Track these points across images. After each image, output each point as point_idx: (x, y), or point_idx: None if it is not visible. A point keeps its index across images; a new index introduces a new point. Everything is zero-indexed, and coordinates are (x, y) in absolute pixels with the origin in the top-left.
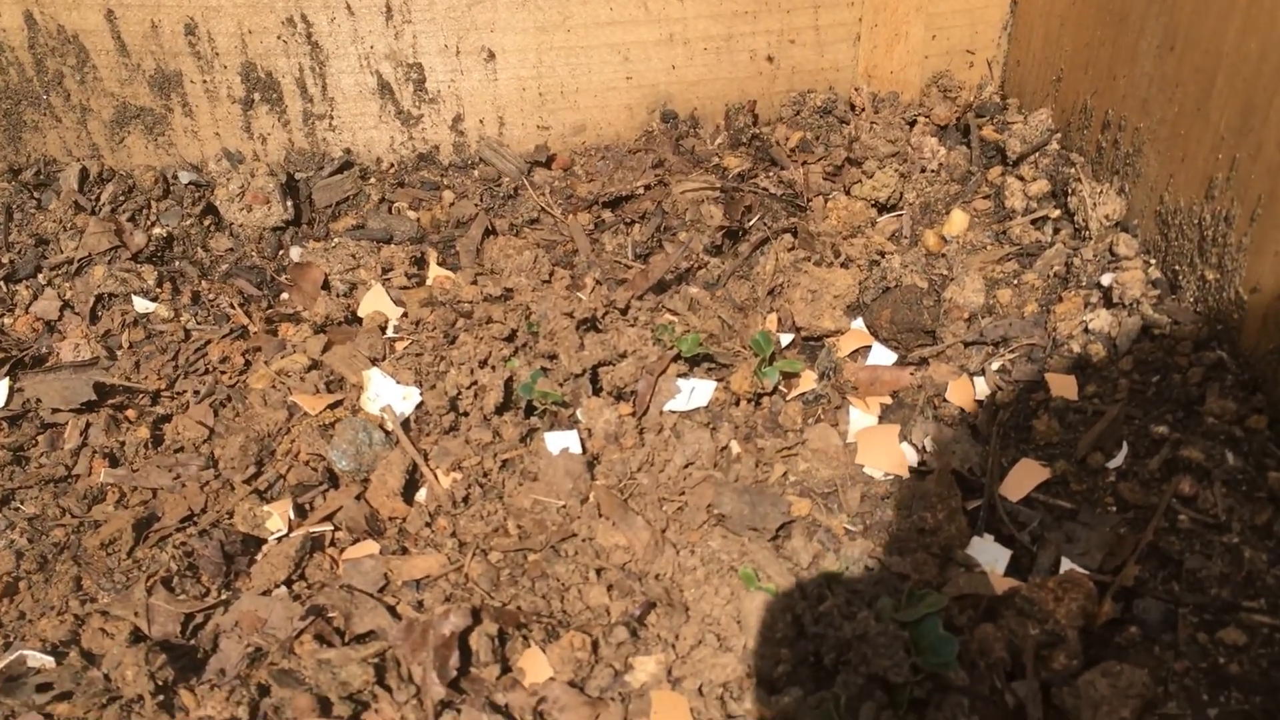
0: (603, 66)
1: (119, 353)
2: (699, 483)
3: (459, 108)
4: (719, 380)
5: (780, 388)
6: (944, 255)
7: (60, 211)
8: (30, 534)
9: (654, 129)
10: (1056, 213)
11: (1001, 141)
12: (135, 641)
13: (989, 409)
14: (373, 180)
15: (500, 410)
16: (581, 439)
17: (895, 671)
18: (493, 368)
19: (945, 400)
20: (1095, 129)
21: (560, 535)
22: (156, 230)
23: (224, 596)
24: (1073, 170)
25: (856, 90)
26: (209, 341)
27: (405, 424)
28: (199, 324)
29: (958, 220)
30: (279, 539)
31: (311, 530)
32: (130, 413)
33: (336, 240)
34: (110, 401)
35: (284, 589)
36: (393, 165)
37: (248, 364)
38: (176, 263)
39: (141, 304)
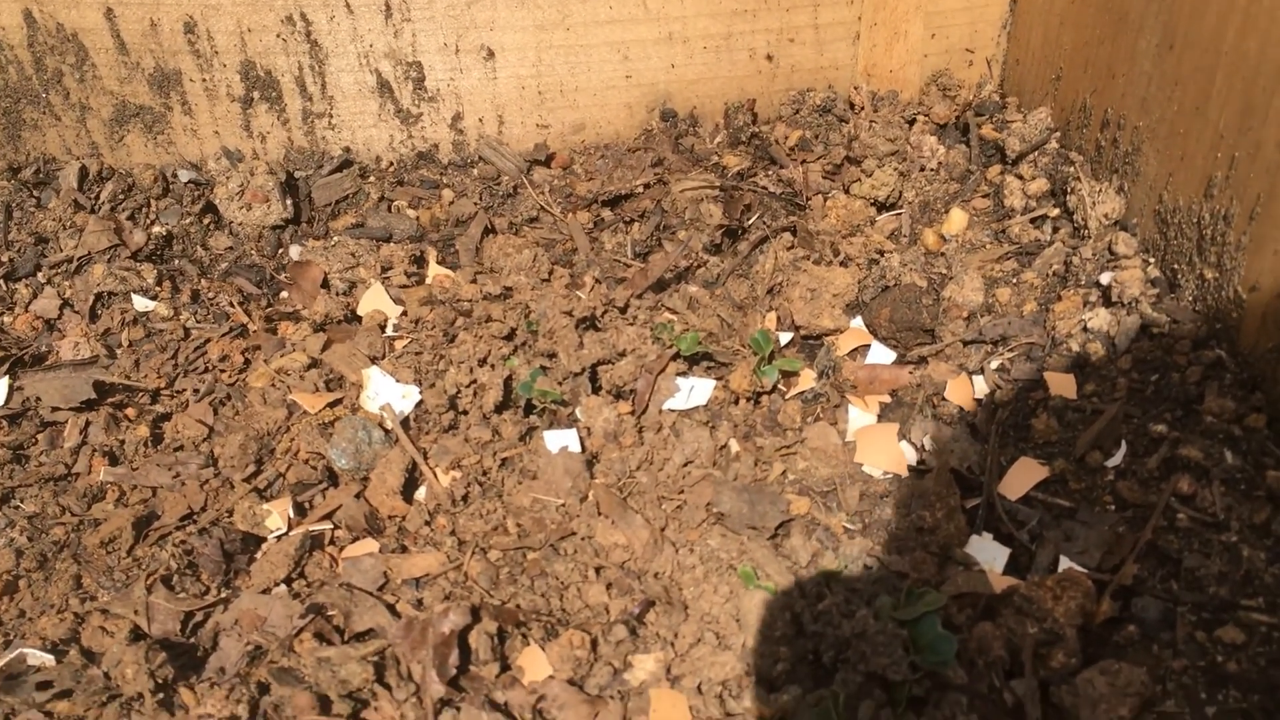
0: (602, 65)
1: (119, 351)
2: (698, 481)
3: (458, 106)
4: (718, 379)
5: (779, 386)
6: (943, 254)
7: (60, 210)
8: (30, 532)
9: (653, 127)
10: (1055, 211)
11: (1001, 140)
12: (135, 640)
13: (988, 408)
14: (372, 179)
15: (499, 409)
16: (581, 437)
17: (894, 670)
18: (492, 366)
19: (944, 399)
20: (1094, 128)
21: (559, 534)
22: (156, 229)
23: (224, 595)
24: (1072, 169)
25: (856, 89)
26: (208, 340)
27: (405, 422)
28: (198, 322)
29: (957, 219)
30: (278, 537)
31: (311, 528)
32: (130, 411)
33: (336, 239)
34: (110, 400)
35: (284, 587)
36: (392, 164)
37: (247, 362)
38: (176, 261)
39: (141, 302)
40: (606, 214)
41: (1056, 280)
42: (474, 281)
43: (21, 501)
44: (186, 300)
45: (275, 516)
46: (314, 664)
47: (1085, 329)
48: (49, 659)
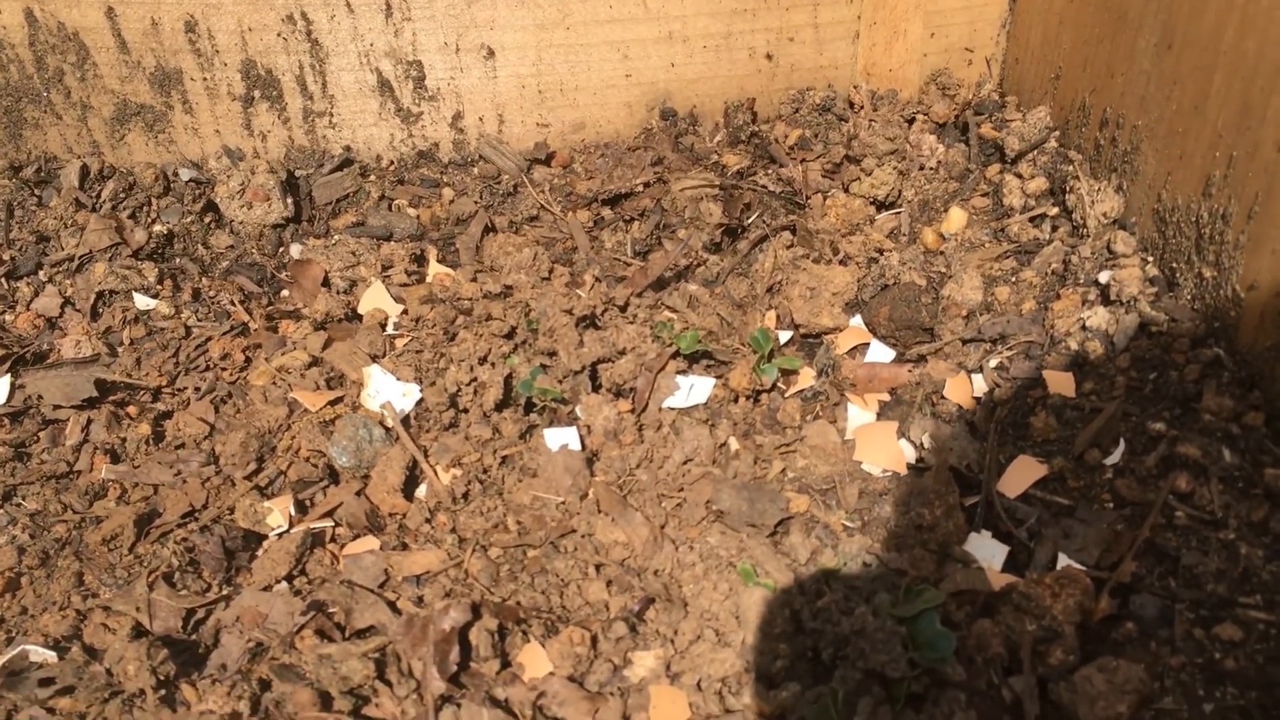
0: (602, 64)
1: (120, 349)
2: (698, 479)
3: (459, 105)
4: (718, 377)
5: (779, 385)
6: (942, 253)
7: (61, 209)
8: (32, 530)
9: (653, 126)
10: (1054, 210)
11: (1000, 139)
12: (137, 636)
13: (987, 406)
14: (372, 177)
15: (500, 407)
16: (581, 435)
17: (893, 667)
18: (492, 364)
19: (943, 397)
20: (1093, 127)
21: (560, 531)
22: (157, 227)
23: (225, 592)
24: (1071, 168)
25: (855, 88)
26: (210, 338)
27: (405, 420)
28: (200, 321)
29: (956, 218)
30: (280, 535)
31: (312, 526)
32: (131, 409)
33: (337, 237)
34: (111, 398)
35: (285, 584)
36: (393, 162)
37: (248, 361)
38: (177, 260)
39: (142, 301)
40: (606, 213)
41: (1055, 279)
42: (474, 280)
43: (23, 499)
44: (188, 299)
45: (276, 514)
46: (315, 661)
47: (1084, 327)
48: (51, 656)
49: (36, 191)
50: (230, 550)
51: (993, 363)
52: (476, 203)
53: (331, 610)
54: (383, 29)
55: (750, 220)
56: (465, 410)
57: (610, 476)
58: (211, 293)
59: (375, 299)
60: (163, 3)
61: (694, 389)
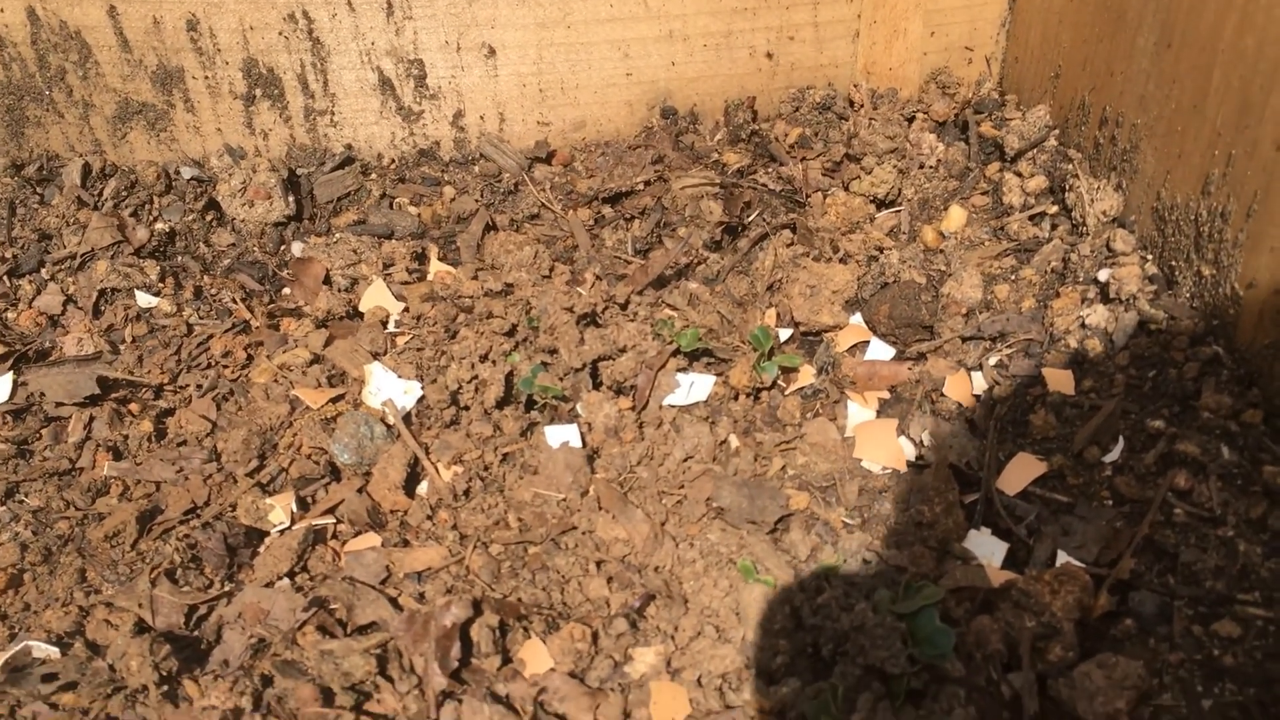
0: (603, 63)
1: (122, 347)
2: (698, 476)
3: (460, 104)
4: (718, 375)
5: (779, 382)
6: (942, 251)
7: (63, 207)
8: (35, 526)
9: (654, 125)
10: (1054, 209)
11: (1000, 138)
12: (139, 632)
13: (986, 404)
14: (374, 176)
15: (501, 404)
16: (581, 433)
17: (892, 663)
18: (493, 362)
19: (943, 395)
20: (1093, 125)
21: (560, 528)
22: (159, 225)
23: (227, 588)
24: (1070, 166)
25: (855, 87)
26: (211, 336)
27: (406, 418)
28: (201, 319)
29: (956, 216)
30: (281, 531)
31: (314, 523)
32: (133, 406)
33: (338, 236)
34: (113, 395)
35: (286, 581)
36: (394, 161)
37: (250, 358)
38: (179, 258)
39: (144, 299)
40: (607, 211)
41: (1055, 277)
42: (475, 278)
43: (26, 496)
44: (189, 297)
45: (278, 511)
46: (317, 656)
47: (1083, 325)
48: (54, 651)
49: (39, 190)
50: (232, 547)
51: (992, 360)
52: (477, 201)
53: (333, 607)
54: (384, 27)
55: (750, 218)
56: (466, 407)
57: (611, 474)
58: (213, 290)
59: (376, 297)
60: (164, 1)
61: (694, 386)
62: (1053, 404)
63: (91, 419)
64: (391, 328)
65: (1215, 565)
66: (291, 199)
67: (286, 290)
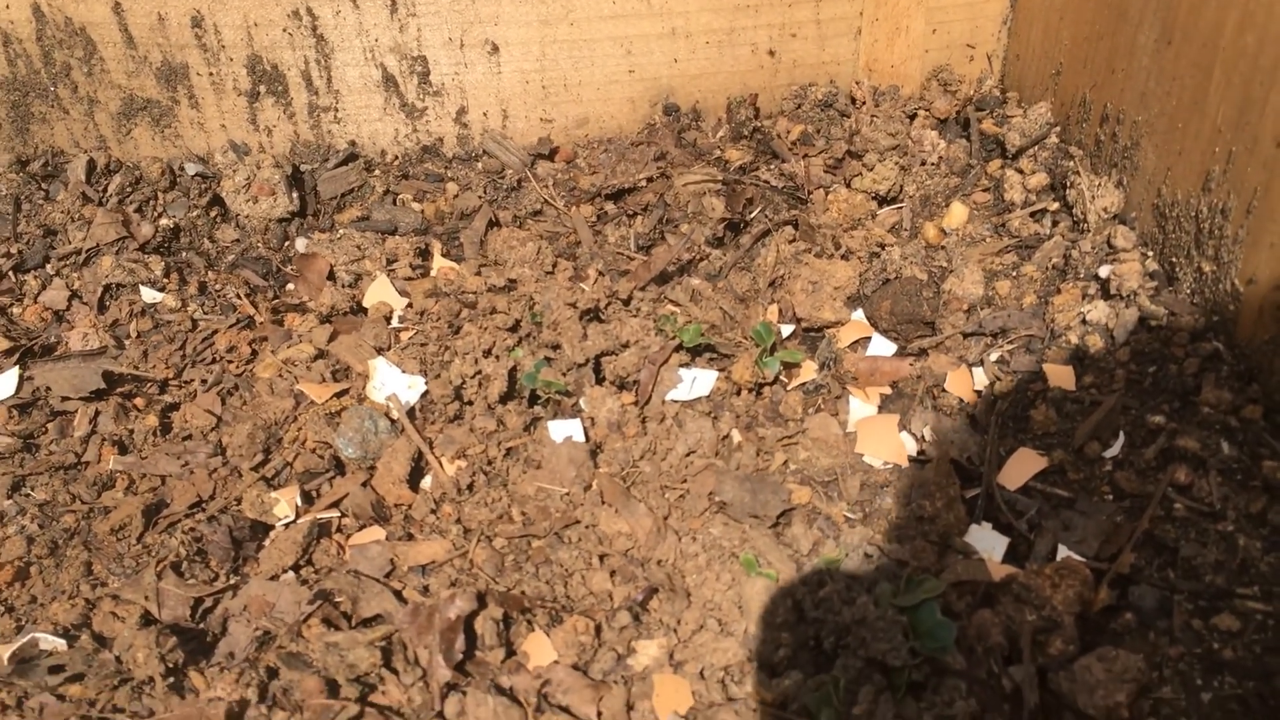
0: (605, 60)
1: (127, 342)
2: (700, 471)
3: (463, 100)
4: (720, 370)
5: (781, 378)
6: (943, 247)
7: (68, 202)
8: (41, 520)
9: (656, 122)
10: (1055, 205)
11: (1001, 135)
12: (146, 625)
13: (987, 399)
14: (377, 172)
15: (504, 399)
16: (584, 427)
17: (894, 655)
18: (497, 357)
19: (944, 390)
20: (1094, 122)
21: (564, 522)
22: (163, 221)
23: (233, 581)
24: (1071, 163)
25: (857, 84)
26: (216, 331)
27: (410, 412)
28: (206, 314)
29: (957, 213)
30: (286, 525)
31: (318, 516)
32: (139, 401)
33: (342, 231)
34: (119, 390)
35: (292, 574)
36: (397, 157)
37: (254, 353)
38: (183, 253)
39: (149, 294)
40: (610, 207)
41: (1056, 273)
42: (478, 274)
43: (32, 489)
44: (194, 292)
45: (283, 504)
46: (322, 649)
47: (1084, 321)
48: (61, 643)
49: (44, 185)
50: (238, 540)
51: (993, 356)
52: (480, 197)
53: (338, 599)
54: (388, 24)
55: (753, 215)
56: (470, 402)
57: (614, 468)
58: (217, 286)
59: (380, 292)
60: None
61: (697, 382)
62: (1053, 399)
63: (97, 413)
64: (395, 323)
65: (1215, 560)
66: (295, 195)
67: (290, 286)
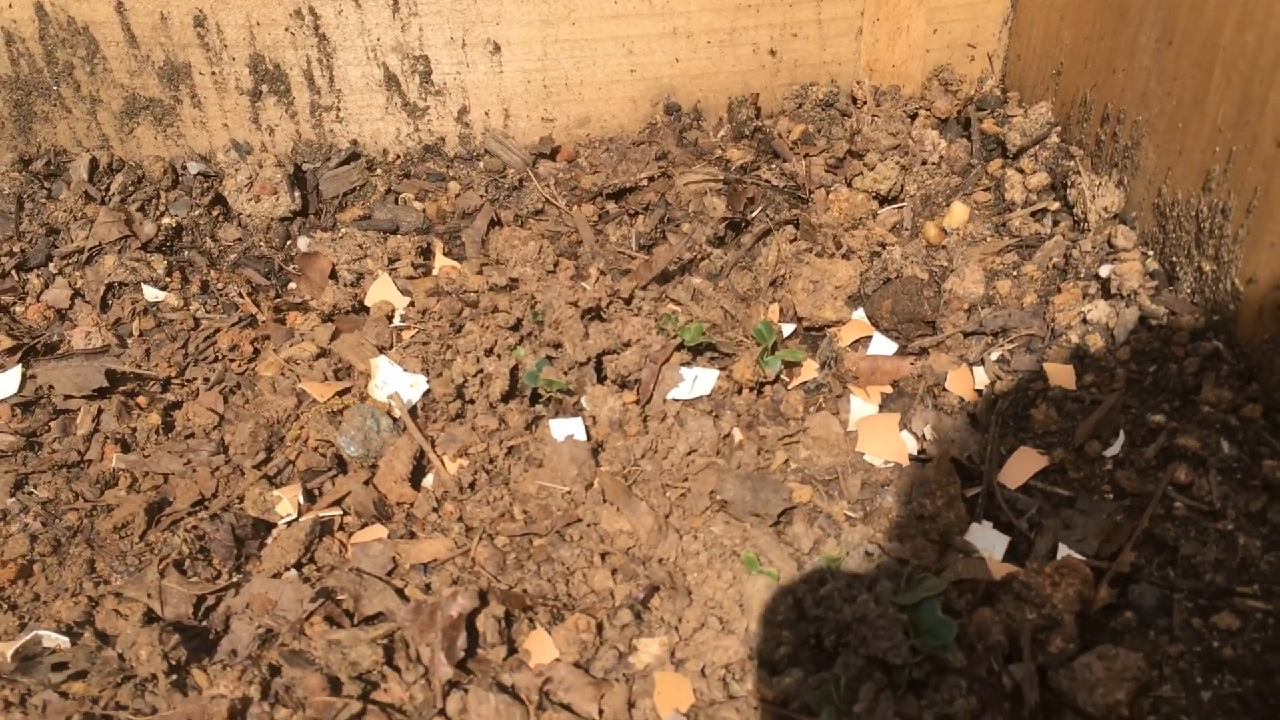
0: (607, 59)
1: (130, 340)
2: (702, 469)
3: (465, 100)
4: (721, 369)
5: (782, 377)
6: (944, 247)
7: (70, 201)
8: (44, 518)
9: (657, 121)
10: (1056, 205)
11: (1002, 134)
12: (149, 622)
13: (988, 398)
14: (379, 171)
15: (506, 398)
16: (586, 426)
17: (894, 653)
18: (498, 356)
19: (945, 389)
20: (1094, 122)
21: (565, 520)
22: (166, 220)
23: (235, 579)
24: (1072, 163)
25: (858, 83)
26: (218, 330)
27: (412, 411)
28: (208, 312)
29: (958, 212)
30: (289, 523)
31: (321, 515)
32: (141, 399)
33: (343, 230)
34: (121, 388)
35: (294, 572)
36: (399, 157)
37: (257, 352)
38: (185, 252)
39: (151, 293)
40: (611, 206)
41: (1056, 273)
42: (480, 273)
43: (35, 488)
44: (196, 291)
45: (285, 503)
46: (324, 646)
47: (1084, 321)
48: (64, 641)
49: (46, 184)
50: (240, 538)
51: (994, 355)
52: (482, 196)
53: (340, 597)
54: (390, 24)
55: (754, 214)
56: (472, 401)
57: (615, 467)
58: (220, 285)
59: (382, 291)
60: None
61: (698, 381)
62: (1054, 399)
63: (100, 412)
64: (397, 322)
65: (1215, 558)
66: (297, 194)
67: (292, 285)
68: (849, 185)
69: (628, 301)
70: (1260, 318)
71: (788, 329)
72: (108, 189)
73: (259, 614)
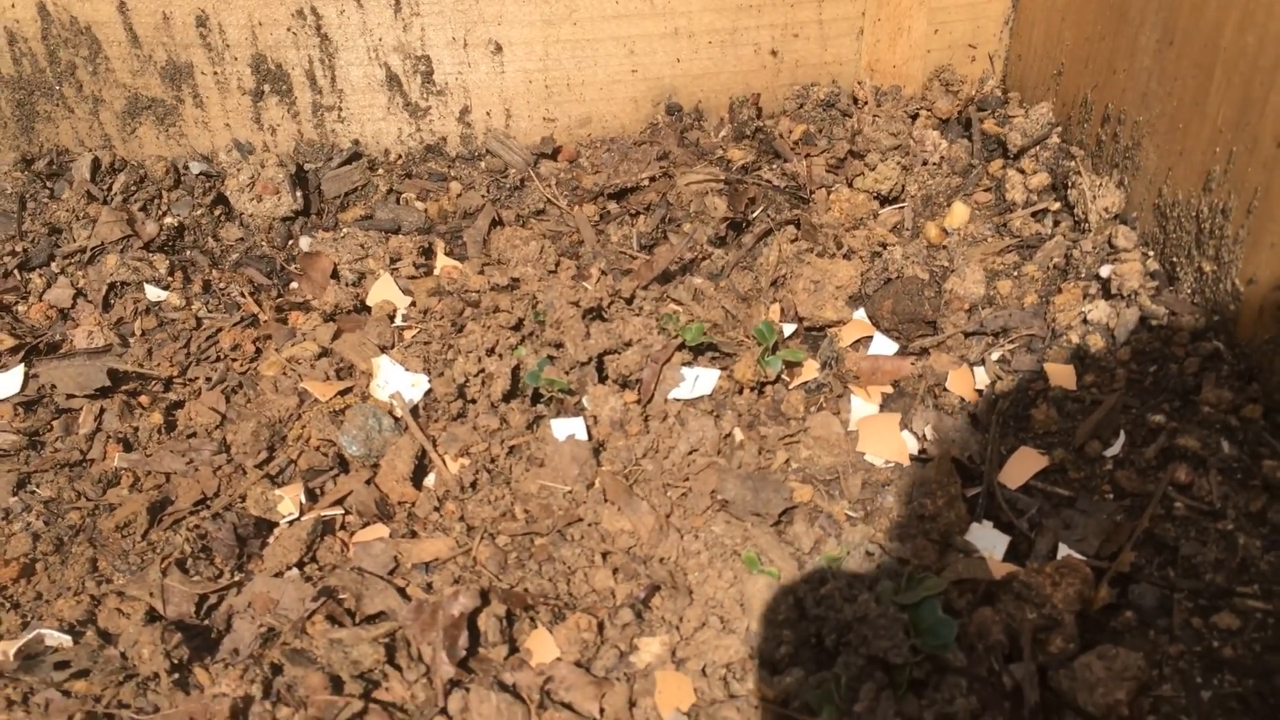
0: (608, 59)
1: (132, 340)
2: (703, 469)
3: (466, 100)
4: (723, 369)
5: (783, 377)
6: (945, 247)
7: (73, 201)
8: (46, 516)
9: (659, 121)
10: (1056, 205)
11: (1002, 135)
12: (151, 621)
13: (989, 398)
14: (381, 171)
15: (507, 397)
16: (587, 426)
17: (895, 653)
18: (500, 356)
19: (945, 389)
20: (1095, 123)
21: (566, 520)
22: (168, 220)
23: (237, 578)
24: (1073, 163)
25: (859, 84)
26: (220, 329)
27: (414, 410)
28: (210, 312)
29: (959, 212)
30: (290, 522)
31: (322, 514)
32: (143, 399)
33: (345, 230)
34: (124, 388)
35: (296, 571)
36: (400, 157)
37: (258, 351)
38: (188, 252)
39: (153, 292)
40: (612, 206)
41: (1057, 273)
42: (481, 273)
43: (38, 487)
44: (198, 290)
45: (287, 502)
46: (326, 645)
47: (1085, 321)
48: (66, 639)
49: (49, 184)
50: (242, 537)
51: (994, 356)
52: (484, 196)
53: (342, 596)
54: (391, 24)
55: (755, 214)
56: (473, 401)
57: (616, 466)
58: (222, 284)
59: (384, 291)
60: None
61: (699, 380)
62: (1054, 399)
63: (102, 411)
64: (399, 321)
65: (1215, 558)
66: (299, 194)
67: (294, 284)
68: (850, 185)
69: (629, 301)
70: (1260, 318)
71: (789, 329)
72: (110, 189)
73: (261, 613)
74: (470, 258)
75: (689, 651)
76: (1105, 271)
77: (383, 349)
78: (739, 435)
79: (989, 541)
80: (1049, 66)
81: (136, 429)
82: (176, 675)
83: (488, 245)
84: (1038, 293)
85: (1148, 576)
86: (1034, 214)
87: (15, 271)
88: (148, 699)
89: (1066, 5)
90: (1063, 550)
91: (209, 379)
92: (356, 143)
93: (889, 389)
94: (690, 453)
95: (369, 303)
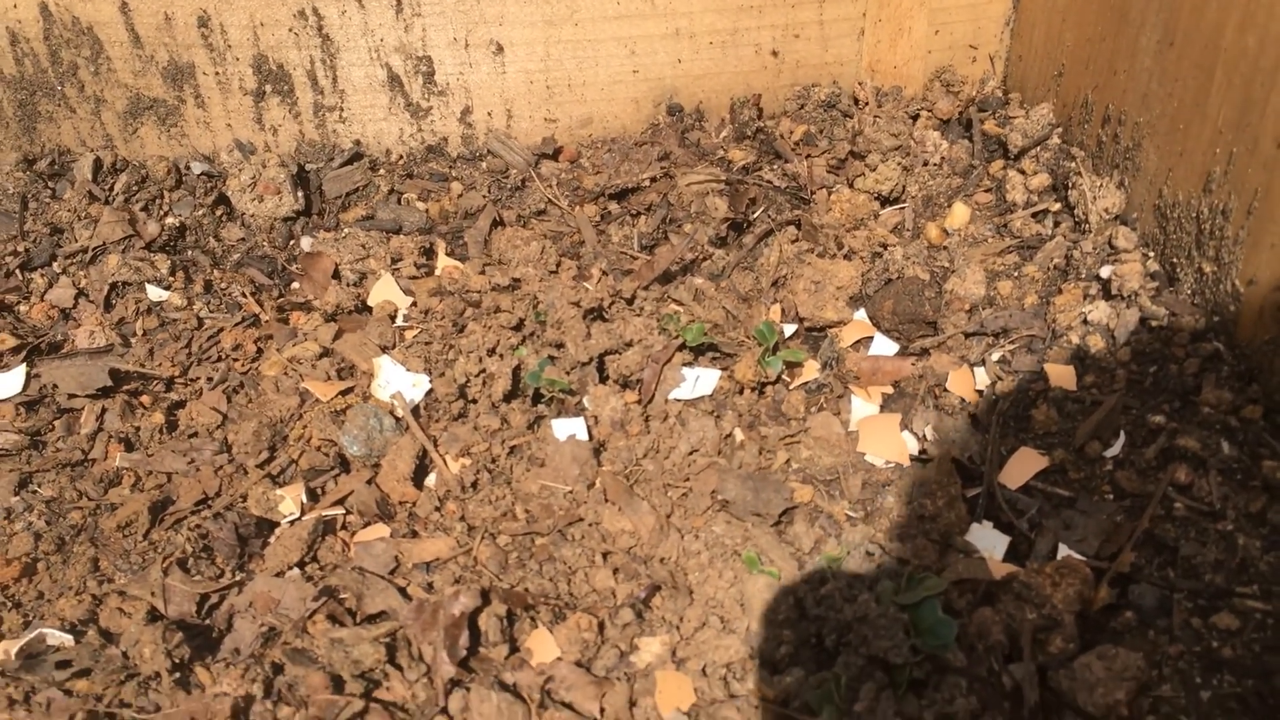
0: (609, 60)
1: (133, 340)
2: (703, 469)
3: (467, 100)
4: (723, 369)
5: (783, 377)
6: (945, 247)
7: (74, 201)
8: (48, 516)
9: (660, 122)
10: (1057, 206)
11: (1003, 135)
12: (152, 620)
13: (989, 399)
14: (382, 172)
15: (508, 398)
16: (588, 426)
17: (895, 653)
18: (501, 356)
19: (946, 390)
20: (1096, 123)
21: (567, 520)
22: (169, 220)
23: (238, 578)
24: (1073, 164)
25: (860, 84)
26: (221, 329)
27: (415, 410)
28: (211, 312)
29: (959, 213)
30: (292, 522)
31: (323, 514)
32: (145, 398)
33: (346, 230)
34: (125, 387)
35: (297, 570)
36: (402, 157)
37: (260, 351)
38: (189, 252)
39: (155, 292)
40: (613, 207)
41: (1057, 274)
42: (482, 273)
43: (39, 486)
44: (199, 290)
45: (288, 502)
46: (327, 645)
47: (1085, 322)
48: (68, 639)
49: (50, 184)
50: (243, 537)
51: (995, 356)
52: (485, 197)
53: (343, 596)
54: (393, 24)
55: (755, 215)
56: (474, 401)
57: (617, 466)
58: (223, 285)
59: (385, 291)
60: None
61: (700, 381)
62: (1054, 399)
63: (103, 411)
64: (400, 322)
65: (1215, 559)
66: (301, 194)
67: (296, 284)
68: (851, 186)
69: (630, 302)
70: (1260, 319)
71: (789, 329)
72: (111, 189)
73: (262, 612)
74: (471, 258)
75: (689, 651)
76: (1105, 272)
77: (384, 349)
78: (739, 435)
79: (989, 542)
80: (1050, 67)
81: (138, 429)
82: (178, 674)
83: (489, 245)
84: (1038, 293)
85: (1147, 577)
86: (1034, 215)
87: (17, 271)
88: (149, 698)
89: (1067, 6)
90: (1063, 550)
91: (210, 379)
92: (358, 143)
93: (889, 389)
94: (691, 453)
95: (370, 303)
